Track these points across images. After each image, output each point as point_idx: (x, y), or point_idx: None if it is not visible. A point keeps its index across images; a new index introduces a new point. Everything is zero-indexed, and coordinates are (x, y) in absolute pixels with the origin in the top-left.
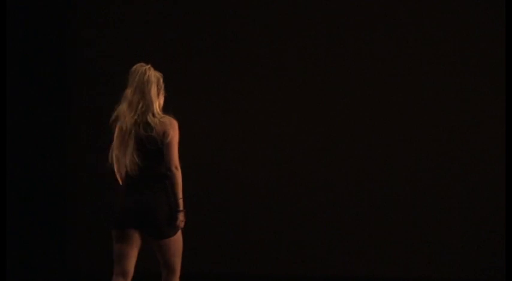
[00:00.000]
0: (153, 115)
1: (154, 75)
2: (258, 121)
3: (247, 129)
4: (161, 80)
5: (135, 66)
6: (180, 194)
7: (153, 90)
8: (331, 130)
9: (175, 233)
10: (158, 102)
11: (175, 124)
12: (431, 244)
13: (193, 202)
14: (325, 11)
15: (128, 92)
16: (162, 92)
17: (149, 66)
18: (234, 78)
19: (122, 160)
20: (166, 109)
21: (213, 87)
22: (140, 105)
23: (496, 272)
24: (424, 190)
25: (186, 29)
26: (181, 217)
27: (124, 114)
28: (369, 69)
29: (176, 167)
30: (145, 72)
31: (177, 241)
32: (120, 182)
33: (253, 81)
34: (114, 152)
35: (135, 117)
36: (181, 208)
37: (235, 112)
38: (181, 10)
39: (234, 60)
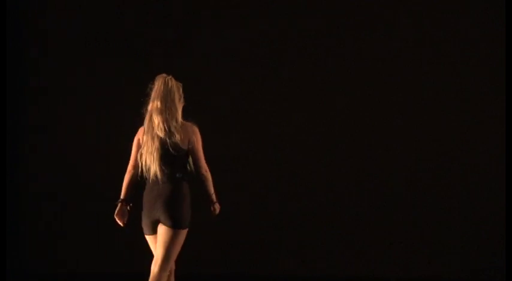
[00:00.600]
0: (176, 122)
1: (176, 85)
2: (258, 121)
3: (247, 128)
4: (181, 90)
5: (157, 77)
6: (212, 191)
7: (176, 99)
8: (331, 130)
9: (182, 227)
10: (180, 109)
11: (196, 130)
12: (432, 243)
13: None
14: (326, 11)
15: (153, 101)
16: (182, 100)
17: (170, 76)
18: (234, 78)
19: (149, 164)
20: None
21: (213, 87)
22: (164, 113)
23: (496, 272)
24: (424, 190)
25: (184, 27)
26: (216, 207)
27: (150, 122)
28: (369, 69)
29: (206, 171)
30: (167, 83)
31: (181, 235)
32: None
33: (253, 81)
34: (143, 157)
35: (161, 125)
36: (215, 200)
37: (235, 112)
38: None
39: (234, 60)
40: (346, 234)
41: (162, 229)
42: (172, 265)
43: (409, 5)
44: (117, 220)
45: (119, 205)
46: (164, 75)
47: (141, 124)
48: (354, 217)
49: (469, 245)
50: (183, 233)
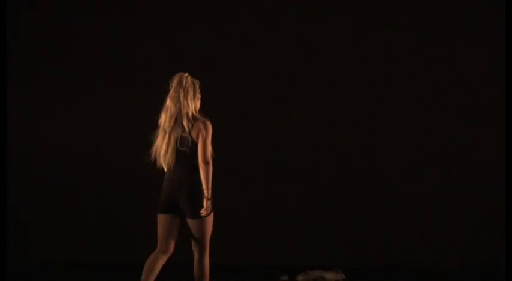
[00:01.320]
0: (188, 118)
1: (191, 82)
2: (258, 120)
3: (249, 127)
4: (197, 86)
5: (175, 76)
6: (209, 185)
7: (190, 96)
8: (332, 128)
9: (200, 216)
10: (194, 106)
11: (208, 125)
12: (432, 233)
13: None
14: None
15: (169, 98)
16: (198, 96)
17: (187, 74)
18: (234, 77)
19: (164, 155)
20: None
21: (212, 86)
22: (178, 109)
23: (495, 259)
24: (424, 186)
25: (183, 25)
26: (207, 203)
27: (166, 117)
28: (369, 69)
29: (207, 162)
30: (183, 80)
31: (204, 224)
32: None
33: (253, 80)
34: (158, 150)
35: (174, 119)
36: (208, 196)
37: (236, 112)
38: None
39: (233, 60)
40: (349, 226)
41: (190, 222)
42: (171, 248)
43: (409, 5)
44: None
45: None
46: (181, 73)
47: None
48: (355, 214)
49: (469, 234)
50: (210, 218)
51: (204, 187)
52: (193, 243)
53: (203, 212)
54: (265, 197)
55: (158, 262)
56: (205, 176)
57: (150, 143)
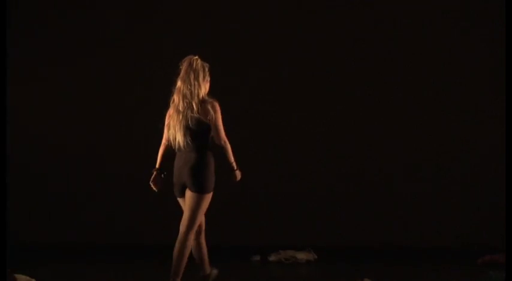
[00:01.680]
0: (198, 99)
1: (201, 65)
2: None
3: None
4: (206, 69)
5: (185, 58)
6: (232, 159)
7: (200, 78)
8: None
9: (203, 192)
10: (204, 88)
11: (216, 106)
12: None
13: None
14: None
15: (179, 79)
16: (207, 79)
17: (196, 57)
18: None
19: (175, 136)
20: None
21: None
22: (188, 91)
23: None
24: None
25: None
26: (237, 174)
27: (176, 99)
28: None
29: (224, 142)
30: (193, 63)
31: (200, 199)
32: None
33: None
34: (170, 130)
35: (185, 101)
36: (235, 168)
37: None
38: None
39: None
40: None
41: (188, 194)
42: (202, 224)
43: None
44: (152, 186)
45: (154, 172)
46: (190, 56)
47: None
48: (328, 195)
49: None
50: (207, 197)
51: (231, 160)
52: (183, 218)
53: (237, 178)
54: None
55: (200, 241)
56: (227, 153)
57: (158, 130)
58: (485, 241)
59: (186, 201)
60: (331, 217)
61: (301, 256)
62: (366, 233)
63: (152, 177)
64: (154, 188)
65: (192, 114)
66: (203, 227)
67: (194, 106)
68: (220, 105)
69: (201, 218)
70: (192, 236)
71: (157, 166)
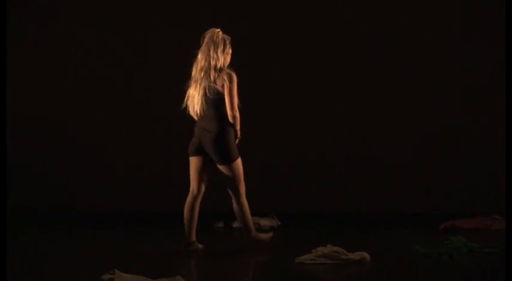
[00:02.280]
0: (216, 69)
1: (221, 38)
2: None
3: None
4: (227, 42)
5: (207, 31)
6: (238, 127)
7: (219, 49)
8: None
9: (232, 161)
10: (224, 59)
11: (232, 76)
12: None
13: None
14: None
15: (200, 51)
16: (227, 51)
17: (218, 30)
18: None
19: (194, 104)
20: None
21: None
22: (207, 62)
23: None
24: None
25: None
26: (238, 140)
27: (195, 69)
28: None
29: (235, 110)
30: (214, 35)
31: (232, 168)
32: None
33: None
34: (190, 99)
35: (203, 71)
36: (238, 136)
37: None
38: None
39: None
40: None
41: (220, 167)
42: (202, 190)
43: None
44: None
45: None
46: (213, 29)
47: None
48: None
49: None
50: (237, 164)
51: (237, 128)
52: (228, 187)
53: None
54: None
55: (194, 205)
56: (237, 121)
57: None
58: (450, 208)
59: (224, 173)
60: (295, 183)
61: (265, 222)
62: (329, 200)
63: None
64: None
65: (209, 84)
66: (202, 193)
67: (211, 76)
68: (238, 77)
69: (243, 182)
70: (244, 198)
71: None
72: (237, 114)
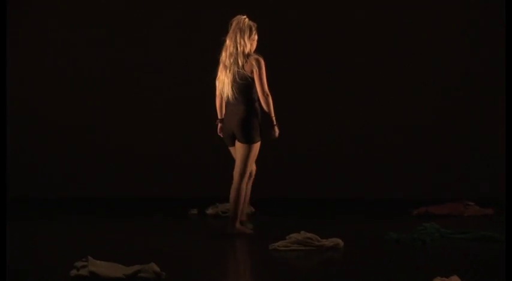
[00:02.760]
0: (244, 55)
1: (248, 24)
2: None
3: None
4: (253, 28)
5: (234, 18)
6: (272, 114)
7: (246, 36)
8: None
9: (250, 142)
10: (250, 45)
11: (260, 61)
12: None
13: None
14: None
15: (228, 38)
16: (253, 37)
17: (245, 16)
18: None
19: (223, 89)
20: None
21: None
22: (235, 48)
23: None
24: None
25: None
26: (275, 129)
27: (224, 55)
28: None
29: (267, 95)
30: (240, 22)
31: (249, 149)
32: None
33: None
34: (220, 84)
35: (231, 57)
36: (274, 122)
37: None
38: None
39: None
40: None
41: (238, 145)
42: (253, 169)
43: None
44: (221, 135)
45: (218, 124)
46: (239, 16)
47: None
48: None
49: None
50: (255, 147)
51: (270, 115)
52: (235, 168)
53: (275, 134)
54: (177, 133)
55: (247, 187)
56: (266, 106)
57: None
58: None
59: (237, 151)
60: (269, 169)
61: None
62: (303, 186)
63: (218, 128)
64: (221, 135)
65: (237, 69)
66: (253, 174)
67: (239, 61)
68: (265, 61)
69: (252, 166)
70: (245, 183)
71: (219, 117)
72: (269, 99)
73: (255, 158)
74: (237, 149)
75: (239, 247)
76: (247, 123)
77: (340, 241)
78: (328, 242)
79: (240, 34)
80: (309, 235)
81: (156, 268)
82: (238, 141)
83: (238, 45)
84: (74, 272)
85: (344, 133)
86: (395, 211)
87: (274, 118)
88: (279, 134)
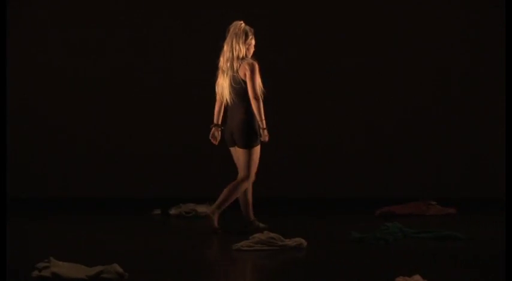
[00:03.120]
0: (238, 60)
1: (243, 29)
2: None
3: None
4: (249, 33)
5: (232, 24)
6: (262, 117)
7: (241, 41)
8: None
9: (249, 147)
10: (246, 50)
11: (252, 65)
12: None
13: None
14: None
15: (225, 43)
16: (248, 42)
17: (241, 22)
18: None
19: (222, 93)
20: None
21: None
22: (230, 53)
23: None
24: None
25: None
26: (265, 132)
27: (222, 60)
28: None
29: (256, 99)
30: (236, 27)
31: (248, 153)
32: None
33: None
34: (219, 88)
35: (228, 61)
36: (264, 126)
37: None
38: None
39: None
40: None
41: (238, 150)
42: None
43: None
44: (211, 140)
45: (212, 128)
46: (236, 21)
47: None
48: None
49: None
50: (255, 150)
51: (258, 119)
52: (239, 173)
53: (265, 138)
54: (141, 133)
55: (248, 188)
56: (256, 110)
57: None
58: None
59: (239, 157)
60: (230, 170)
61: (202, 209)
62: (267, 185)
63: (211, 133)
64: (214, 142)
65: (233, 74)
66: (254, 177)
67: (234, 66)
68: (260, 64)
69: (255, 169)
70: (245, 186)
71: (214, 121)
72: (259, 103)
73: (257, 161)
74: (239, 155)
75: (201, 247)
76: (245, 128)
77: (303, 241)
78: (292, 242)
79: (236, 39)
80: (272, 234)
81: (119, 269)
82: (238, 146)
83: (234, 50)
84: (36, 273)
85: (302, 134)
86: (358, 210)
87: (263, 122)
88: (269, 137)
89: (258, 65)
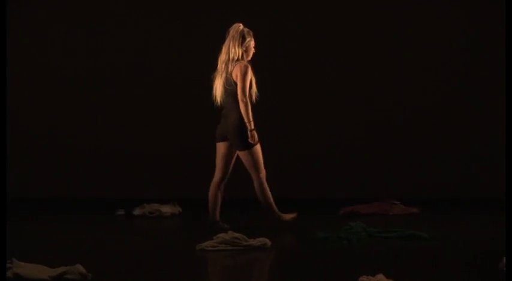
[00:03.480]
0: (233, 62)
1: (240, 32)
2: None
3: None
4: (246, 35)
5: (231, 26)
6: (250, 118)
7: (237, 43)
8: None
9: (247, 148)
10: (240, 52)
11: (244, 67)
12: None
13: None
14: None
15: (223, 45)
16: (245, 44)
17: (239, 25)
18: None
19: (216, 95)
20: None
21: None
22: (227, 55)
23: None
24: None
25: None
26: (251, 134)
27: (219, 62)
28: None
29: (244, 101)
30: (234, 30)
31: (250, 154)
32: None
33: None
34: (214, 90)
35: (224, 63)
36: (251, 128)
37: None
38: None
39: None
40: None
41: (239, 153)
42: (227, 175)
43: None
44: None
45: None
46: (235, 24)
47: None
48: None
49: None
50: (255, 150)
51: (246, 120)
52: (251, 174)
53: (251, 141)
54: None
55: (219, 188)
56: (244, 112)
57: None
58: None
59: (242, 159)
60: (195, 170)
61: (166, 209)
62: (231, 185)
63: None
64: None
65: (227, 76)
66: (226, 177)
67: (229, 68)
68: (253, 68)
69: (262, 165)
70: (263, 181)
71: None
72: (247, 105)
73: (261, 159)
74: (241, 158)
75: (164, 247)
76: (240, 130)
77: (267, 241)
78: (256, 241)
79: (232, 41)
80: (236, 234)
81: (82, 269)
82: (237, 149)
83: (230, 52)
84: None
85: (274, 133)
86: (322, 209)
87: (251, 124)
88: (257, 139)
89: (252, 68)
